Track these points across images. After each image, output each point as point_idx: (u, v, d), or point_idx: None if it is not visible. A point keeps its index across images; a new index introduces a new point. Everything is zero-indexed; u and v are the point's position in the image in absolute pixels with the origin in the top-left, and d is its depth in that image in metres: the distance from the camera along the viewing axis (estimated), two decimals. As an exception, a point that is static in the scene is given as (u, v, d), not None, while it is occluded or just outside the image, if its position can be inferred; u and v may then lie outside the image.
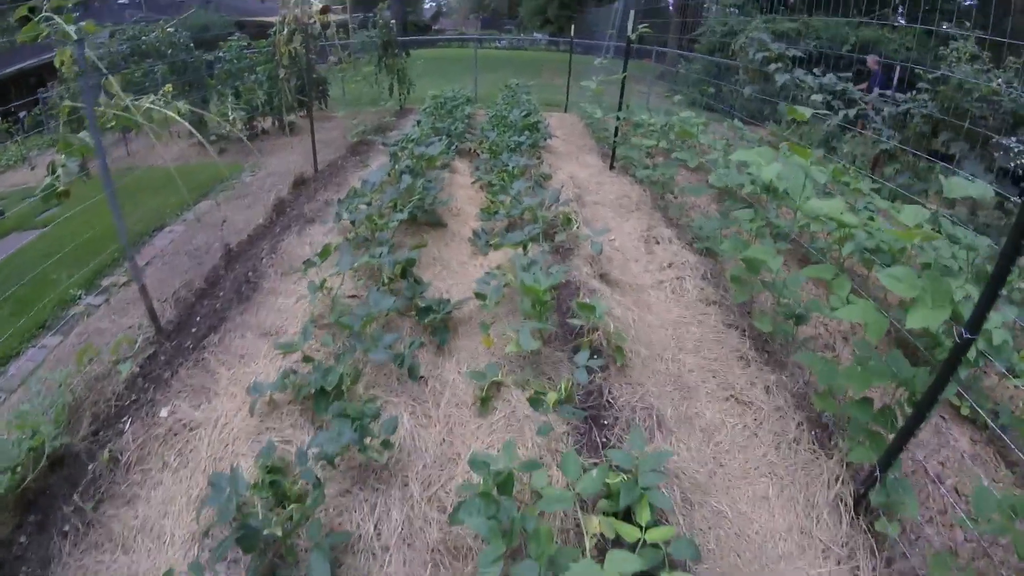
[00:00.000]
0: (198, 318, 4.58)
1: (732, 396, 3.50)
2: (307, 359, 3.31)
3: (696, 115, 7.31)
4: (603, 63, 9.13)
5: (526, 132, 7.80)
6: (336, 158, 8.41)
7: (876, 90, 8.95)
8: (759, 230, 4.08)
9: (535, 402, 2.91)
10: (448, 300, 3.78)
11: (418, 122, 7.91)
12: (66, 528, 2.67)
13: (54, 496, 2.84)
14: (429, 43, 36.59)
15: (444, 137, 7.33)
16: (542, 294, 3.29)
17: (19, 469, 2.72)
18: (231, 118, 9.19)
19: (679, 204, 6.01)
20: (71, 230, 6.78)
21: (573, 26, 12.43)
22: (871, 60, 11.78)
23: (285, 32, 8.14)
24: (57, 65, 4.47)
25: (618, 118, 7.18)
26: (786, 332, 3.70)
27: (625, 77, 6.95)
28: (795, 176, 3.69)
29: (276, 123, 10.71)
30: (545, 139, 8.04)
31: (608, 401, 3.31)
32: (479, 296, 3.67)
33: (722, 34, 14.65)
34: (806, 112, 3.97)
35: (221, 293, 4.85)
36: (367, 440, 2.63)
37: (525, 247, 4.25)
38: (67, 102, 4.81)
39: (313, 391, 3.04)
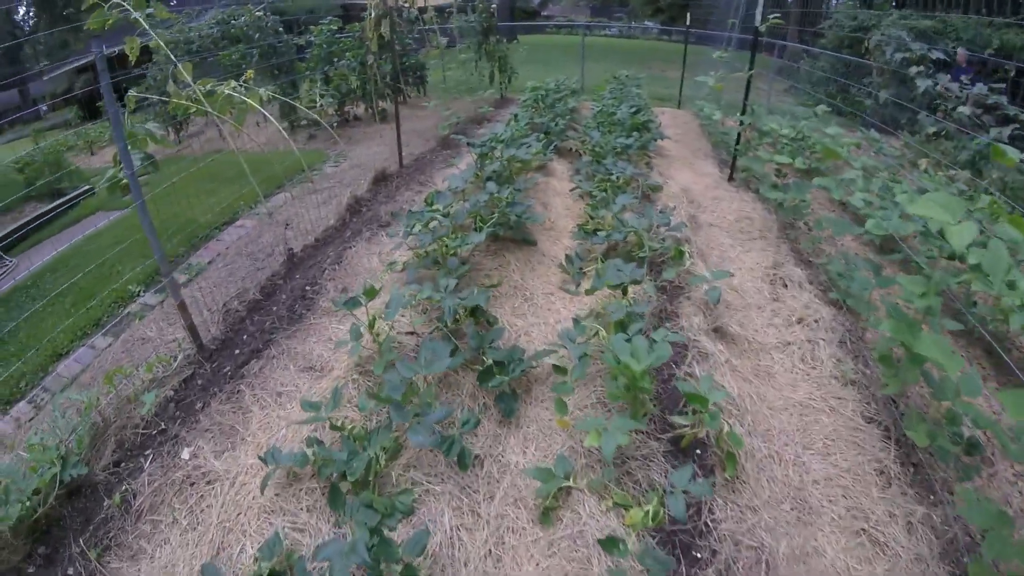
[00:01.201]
0: (244, 336, 4.03)
1: (864, 530, 2.53)
2: (335, 427, 2.60)
3: (833, 126, 6.09)
4: (723, 57, 7.99)
5: (634, 132, 6.86)
6: (425, 151, 7.76)
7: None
8: (930, 309, 3.00)
9: (608, 546, 2.06)
10: (522, 356, 2.95)
11: (515, 116, 7.12)
12: (70, 571, 2.48)
13: (67, 529, 2.66)
14: (536, 29, 35.89)
15: (542, 135, 6.52)
16: (639, 377, 2.42)
17: (34, 497, 2.58)
18: (319, 104, 8.74)
19: (812, 236, 4.91)
20: (155, 212, 6.49)
21: (688, 15, 11.24)
22: (961, 54, 10.17)
23: (374, 15, 7.54)
24: (128, 53, 4.09)
25: (741, 122, 6.10)
26: (947, 454, 2.66)
27: (751, 75, 5.86)
28: (998, 257, 2.63)
29: (368, 110, 10.22)
30: (656, 140, 7.07)
31: (707, 524, 2.44)
32: (558, 370, 2.83)
33: (851, 29, 12.97)
34: (1014, 156, 2.91)
35: (274, 308, 4.28)
36: (383, 566, 1.88)
37: (625, 290, 3.37)
38: (132, 92, 4.37)
39: (334, 475, 2.33)
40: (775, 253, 4.80)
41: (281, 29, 9.88)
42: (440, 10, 12.81)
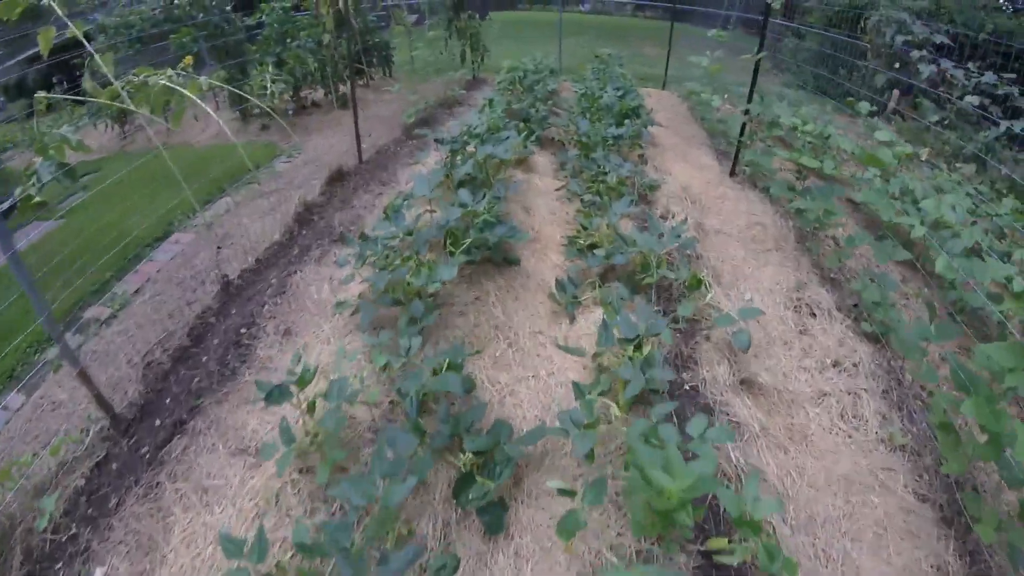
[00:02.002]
0: (168, 399, 3.26)
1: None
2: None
3: (884, 130, 5.27)
4: (720, 36, 7.22)
5: (624, 119, 6.09)
6: (389, 142, 6.88)
7: None
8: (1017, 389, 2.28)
9: None
10: (509, 439, 2.20)
11: (490, 101, 6.29)
12: None
13: None
14: (508, 4, 34.80)
15: (521, 124, 5.70)
16: (677, 504, 1.66)
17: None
18: (269, 91, 7.80)
19: (838, 252, 4.19)
20: (87, 222, 5.65)
21: (677, -13, 10.42)
22: None
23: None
24: (41, 46, 3.33)
25: (747, 112, 5.34)
26: (1019, 556, 2.01)
27: (760, 59, 5.09)
28: None
29: (327, 94, 9.27)
30: (647, 126, 6.31)
31: None
32: (563, 492, 2.06)
33: (842, 7, 12.24)
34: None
35: (204, 359, 3.50)
36: None
37: (639, 346, 2.61)
38: (41, 94, 3.57)
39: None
40: (795, 270, 4.09)
41: (229, 8, 8.87)
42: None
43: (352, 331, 3.14)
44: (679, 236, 3.57)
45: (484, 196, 3.67)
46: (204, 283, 4.38)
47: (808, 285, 3.88)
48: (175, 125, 5.63)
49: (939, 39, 9.18)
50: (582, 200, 4.35)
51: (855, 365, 3.23)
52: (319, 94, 9.38)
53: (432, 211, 3.96)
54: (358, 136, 6.06)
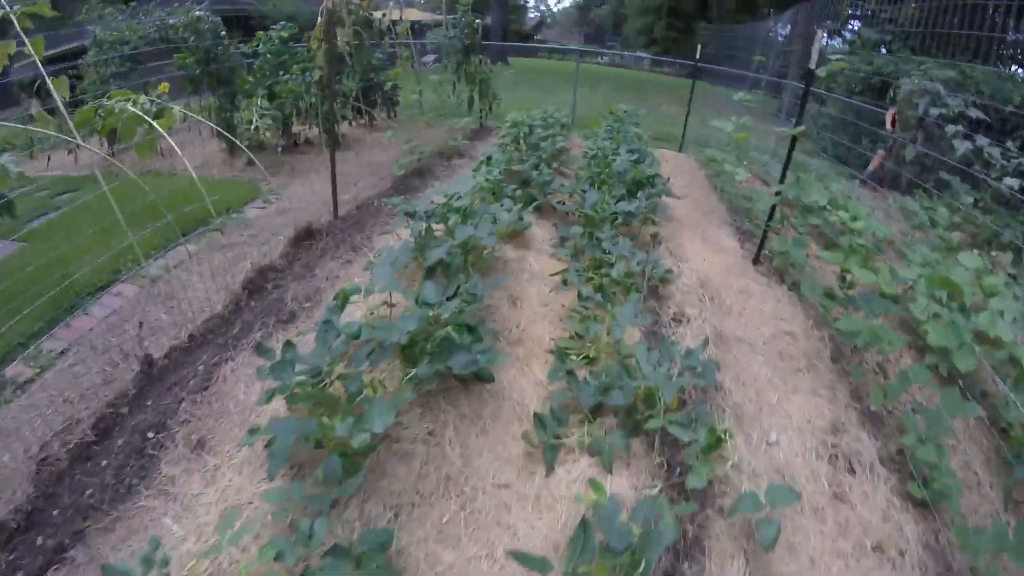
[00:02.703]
0: (56, 511, 2.54)
1: None
2: None
3: (971, 254, 4.48)
4: (747, 101, 6.62)
5: (636, 189, 5.44)
6: (373, 195, 6.21)
7: None
8: None
9: None
10: None
11: (487, 159, 5.64)
12: None
13: None
14: (528, 52, 34.90)
15: (518, 190, 5.03)
16: None
17: None
18: (253, 125, 7.21)
19: (882, 385, 3.44)
20: (47, 250, 5.11)
21: (700, 46, 9.86)
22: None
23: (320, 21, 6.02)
24: None
25: (779, 195, 4.64)
26: None
27: (799, 133, 4.41)
28: None
29: (322, 133, 8.69)
30: (662, 195, 5.65)
31: None
32: None
33: (867, 73, 11.69)
34: None
35: (103, 463, 2.80)
36: None
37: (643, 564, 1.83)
38: None
39: None
40: (830, 401, 3.35)
41: (223, 33, 8.36)
42: (420, 25, 11.44)
43: (255, 485, 2.39)
44: (695, 365, 2.83)
45: (457, 291, 2.95)
46: (129, 357, 3.68)
47: (847, 428, 3.13)
48: (141, 155, 4.99)
49: (975, 114, 8.57)
50: (580, 295, 3.62)
51: (901, 553, 2.47)
52: (314, 132, 8.81)
53: (391, 305, 3.25)
54: (335, 189, 5.39)
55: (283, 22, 8.47)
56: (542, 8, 60.81)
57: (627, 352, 3.01)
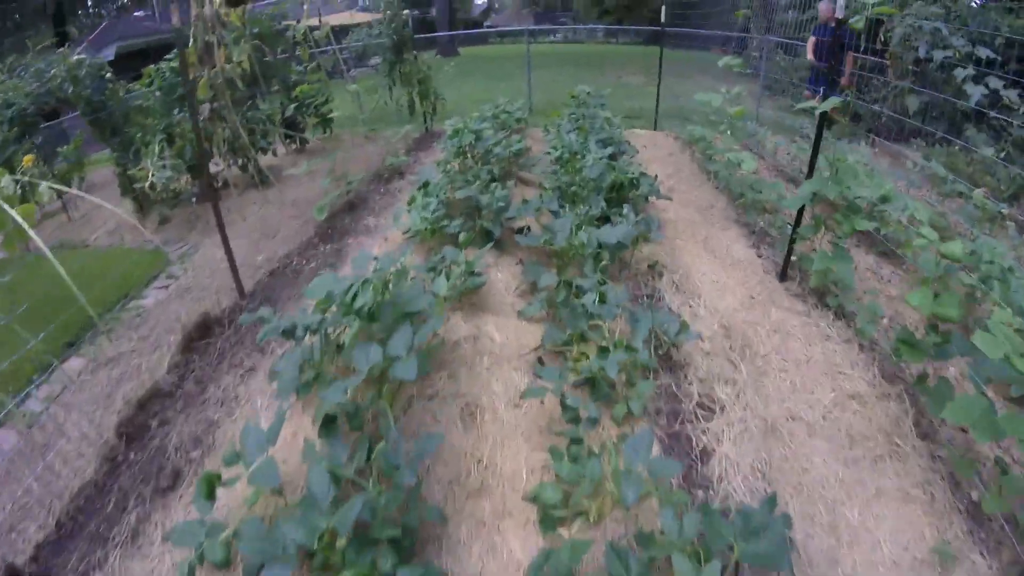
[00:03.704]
0: None
1: None
2: None
3: None
4: (735, 65, 5.42)
5: (615, 195, 4.27)
6: (293, 251, 4.93)
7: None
8: None
9: None
10: None
11: (424, 185, 4.42)
12: None
13: None
14: (479, 40, 33.51)
15: (466, 226, 3.82)
16: None
17: None
18: (148, 182, 5.94)
19: (1000, 482, 2.28)
20: None
21: (663, 9, 8.64)
22: (825, 8, 7.71)
23: (197, 43, 4.73)
24: None
25: (812, 198, 3.42)
26: None
27: (836, 110, 3.19)
28: None
29: (246, 168, 7.36)
30: (651, 196, 4.46)
31: None
32: None
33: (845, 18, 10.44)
34: None
35: None
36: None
37: None
38: None
39: None
40: (928, 507, 2.28)
41: (108, 75, 7.04)
42: (343, 30, 10.15)
43: None
44: (757, 536, 1.65)
45: (370, 455, 1.75)
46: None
47: (960, 556, 1.99)
48: (9, 250, 3.74)
49: (984, 52, 7.43)
50: (563, 402, 2.41)
51: None
52: (233, 170, 7.50)
53: (279, 494, 2.04)
54: (232, 262, 4.13)
55: (175, 51, 7.15)
56: (488, -7, 59.26)
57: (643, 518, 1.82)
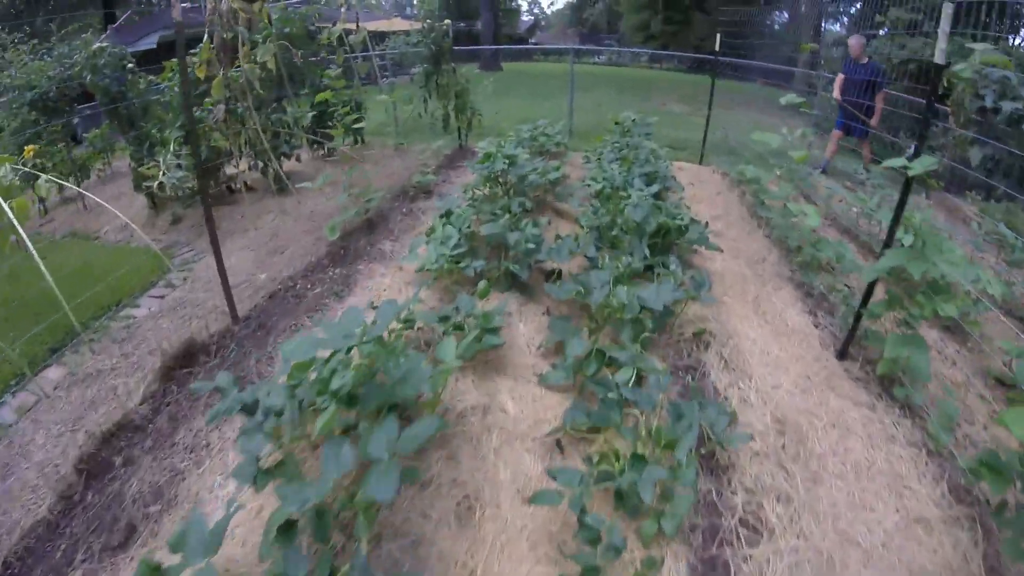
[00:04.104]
0: None
1: None
2: None
3: None
4: (800, 103, 4.93)
5: (663, 246, 3.80)
6: (298, 272, 4.51)
7: None
8: None
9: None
10: None
11: (445, 216, 4.00)
12: None
13: None
14: (523, 56, 33.39)
15: (488, 267, 3.39)
16: None
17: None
18: (157, 182, 5.61)
19: None
20: None
21: (719, 36, 8.17)
22: (856, 44, 7.20)
23: (208, 40, 4.37)
24: None
25: (889, 273, 2.92)
26: None
27: (923, 173, 2.68)
28: None
29: (266, 172, 7.01)
30: (702, 244, 4.00)
31: None
32: None
33: (902, 60, 9.80)
34: None
35: None
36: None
37: None
38: None
39: None
40: None
41: (131, 64, 6.77)
42: (381, 36, 9.86)
43: None
44: None
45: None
46: None
47: None
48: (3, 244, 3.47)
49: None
50: (581, 519, 1.93)
51: None
52: (254, 174, 7.17)
53: None
54: (226, 286, 3.72)
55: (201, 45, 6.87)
56: (535, 11, 59.38)
57: None
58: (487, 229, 3.64)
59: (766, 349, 3.37)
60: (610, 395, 2.32)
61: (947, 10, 2.48)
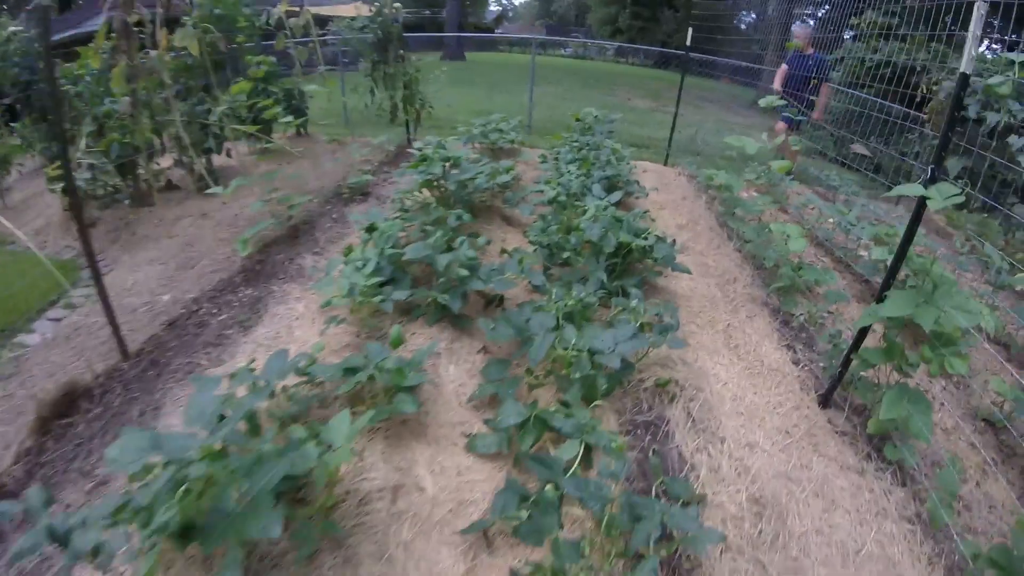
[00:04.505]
0: None
1: None
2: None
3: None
4: (777, 104, 4.49)
5: (624, 267, 3.29)
6: (203, 294, 3.84)
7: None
8: None
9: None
10: None
11: (369, 230, 3.43)
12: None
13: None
14: (488, 46, 32.79)
15: (413, 291, 2.84)
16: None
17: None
18: (61, 186, 4.92)
19: None
20: None
21: (690, 31, 7.69)
22: (801, 32, 7.01)
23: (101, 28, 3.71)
24: None
25: (892, 321, 2.45)
26: None
27: (935, 200, 2.22)
28: None
29: (191, 170, 6.30)
30: (666, 268, 3.51)
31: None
32: None
33: (879, 64, 9.52)
34: None
35: None
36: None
37: None
38: None
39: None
40: None
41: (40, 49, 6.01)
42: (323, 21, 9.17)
43: None
44: None
45: None
46: None
47: None
48: None
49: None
50: None
51: None
52: (177, 172, 6.45)
53: None
54: (116, 328, 3.08)
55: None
56: (503, 1, 58.55)
57: None
58: (412, 252, 3.06)
59: (739, 395, 2.88)
60: (547, 489, 1.79)
61: (979, 10, 2.00)
